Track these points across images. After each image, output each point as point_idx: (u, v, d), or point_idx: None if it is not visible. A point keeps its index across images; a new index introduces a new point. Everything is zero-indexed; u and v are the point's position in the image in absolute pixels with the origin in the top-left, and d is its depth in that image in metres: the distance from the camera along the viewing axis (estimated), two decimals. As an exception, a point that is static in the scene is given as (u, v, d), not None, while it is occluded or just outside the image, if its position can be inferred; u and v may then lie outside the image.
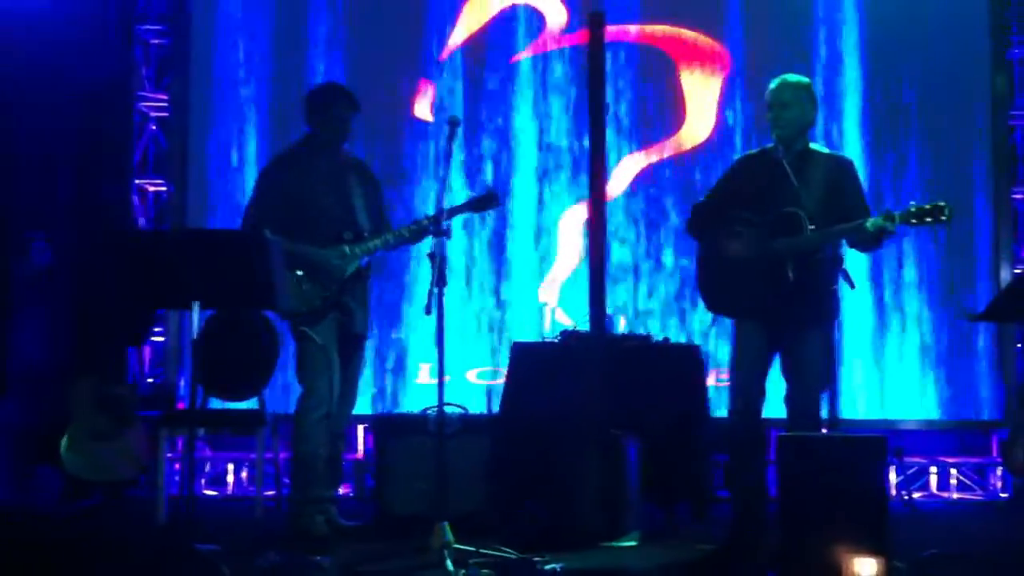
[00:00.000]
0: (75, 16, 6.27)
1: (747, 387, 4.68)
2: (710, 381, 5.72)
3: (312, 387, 4.84)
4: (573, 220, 6.56)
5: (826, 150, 4.78)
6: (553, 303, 6.44)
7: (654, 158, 6.63)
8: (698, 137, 6.63)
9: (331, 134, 4.97)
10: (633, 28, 6.65)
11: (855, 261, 6.24)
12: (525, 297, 6.56)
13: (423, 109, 6.66)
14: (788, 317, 4.55)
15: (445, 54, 6.68)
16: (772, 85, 4.72)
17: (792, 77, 4.72)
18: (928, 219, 4.31)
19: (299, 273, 4.79)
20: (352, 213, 4.94)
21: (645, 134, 6.63)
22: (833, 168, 4.68)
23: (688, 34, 6.67)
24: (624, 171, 6.60)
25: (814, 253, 4.48)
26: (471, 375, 6.47)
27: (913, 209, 4.34)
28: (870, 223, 4.37)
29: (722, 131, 6.62)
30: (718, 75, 6.64)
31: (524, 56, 6.69)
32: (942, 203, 4.32)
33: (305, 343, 4.85)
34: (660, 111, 6.64)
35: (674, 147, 6.62)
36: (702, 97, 6.63)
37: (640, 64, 6.66)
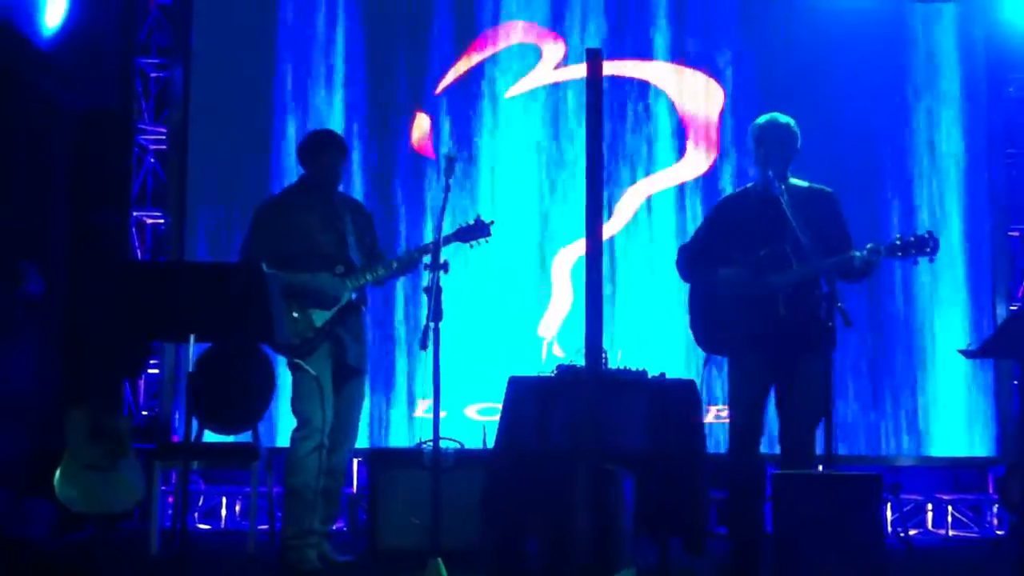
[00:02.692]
0: (77, 46, 6.29)
1: (746, 424, 4.67)
2: (708, 418, 5.70)
3: (305, 418, 4.84)
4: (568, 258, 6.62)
5: (806, 183, 4.79)
6: (551, 337, 6.46)
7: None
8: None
9: (322, 179, 5.02)
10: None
11: (851, 296, 6.28)
12: (524, 331, 6.56)
13: (423, 143, 6.69)
14: (782, 353, 4.55)
15: (440, 88, 6.71)
16: (760, 121, 4.75)
17: (781, 116, 4.76)
18: (913, 251, 4.33)
19: (292, 305, 4.79)
20: (345, 249, 4.97)
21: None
22: (815, 201, 4.69)
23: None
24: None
25: (806, 288, 4.47)
26: (471, 411, 6.46)
27: (898, 242, 4.37)
28: (857, 258, 4.38)
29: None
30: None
31: (522, 90, 6.73)
32: (926, 235, 4.34)
33: (299, 374, 4.85)
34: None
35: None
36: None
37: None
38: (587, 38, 6.71)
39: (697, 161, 6.70)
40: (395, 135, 6.69)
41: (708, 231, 4.88)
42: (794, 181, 4.74)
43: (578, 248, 6.47)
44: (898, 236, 4.40)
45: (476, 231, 4.89)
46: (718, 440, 6.03)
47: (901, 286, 6.56)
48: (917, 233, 4.39)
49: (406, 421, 6.50)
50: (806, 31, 6.70)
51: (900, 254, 4.36)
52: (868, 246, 4.42)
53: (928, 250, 4.32)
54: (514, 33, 6.77)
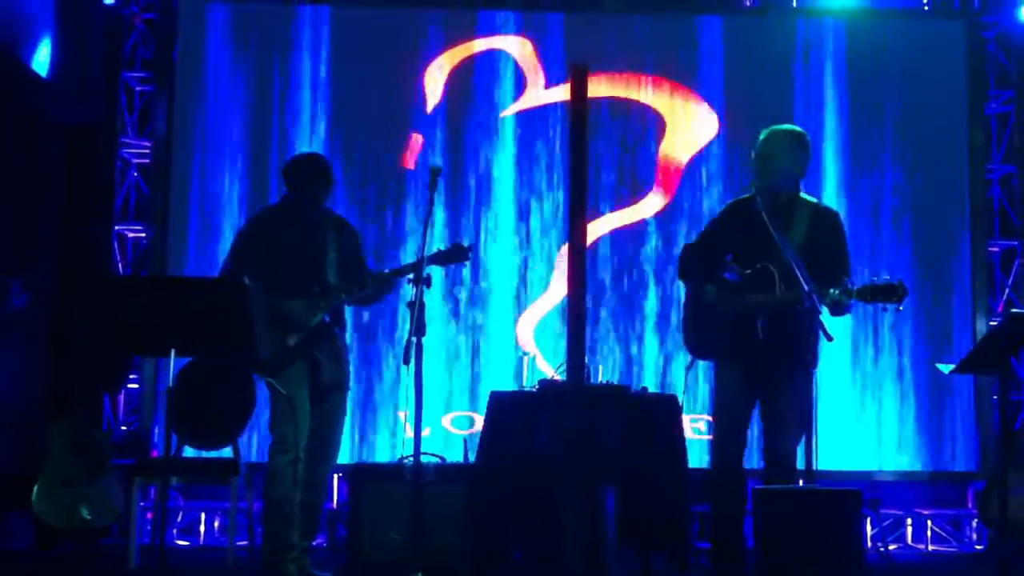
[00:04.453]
0: (61, 59, 6.27)
1: (729, 438, 4.70)
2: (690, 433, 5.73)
3: (280, 434, 4.86)
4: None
5: (813, 200, 4.80)
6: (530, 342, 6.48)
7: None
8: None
9: (304, 202, 5.03)
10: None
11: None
12: (504, 345, 6.57)
13: (409, 160, 6.68)
14: (763, 369, 4.57)
15: (430, 107, 6.71)
16: (761, 136, 4.76)
17: (781, 127, 4.76)
18: (879, 297, 4.35)
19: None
20: (322, 269, 4.96)
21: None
22: (817, 219, 4.70)
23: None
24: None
25: (786, 308, 4.48)
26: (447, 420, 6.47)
27: (868, 287, 4.38)
28: (828, 296, 4.40)
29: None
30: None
31: (509, 112, 6.74)
32: (896, 283, 4.35)
33: (274, 393, 4.88)
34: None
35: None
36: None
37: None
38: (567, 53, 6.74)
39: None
40: (380, 149, 6.68)
41: (709, 234, 4.90)
42: (804, 196, 4.75)
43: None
44: (871, 282, 4.40)
45: (454, 254, 4.87)
46: (700, 454, 6.05)
47: (882, 301, 6.57)
48: (889, 281, 4.38)
49: (388, 436, 6.48)
50: (788, 49, 6.74)
51: (868, 299, 4.38)
52: (842, 285, 4.44)
53: (895, 299, 4.34)
54: (492, 43, 6.78)
